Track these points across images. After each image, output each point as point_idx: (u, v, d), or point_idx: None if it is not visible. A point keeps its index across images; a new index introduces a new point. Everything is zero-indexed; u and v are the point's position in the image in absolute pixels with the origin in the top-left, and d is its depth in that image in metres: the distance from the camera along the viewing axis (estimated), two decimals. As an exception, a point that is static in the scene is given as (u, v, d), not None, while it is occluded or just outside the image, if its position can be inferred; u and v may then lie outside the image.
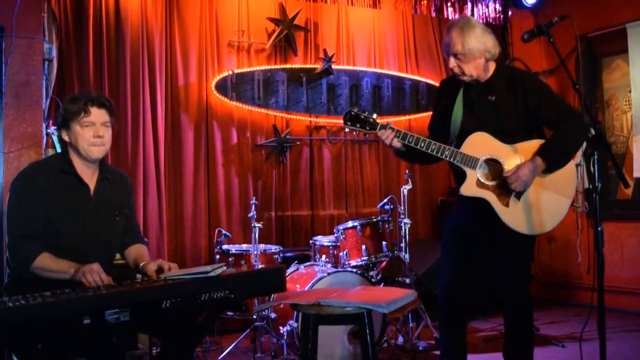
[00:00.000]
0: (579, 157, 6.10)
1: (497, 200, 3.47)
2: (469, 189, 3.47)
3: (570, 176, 3.58)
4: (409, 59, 7.08)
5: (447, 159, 3.45)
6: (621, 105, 6.59)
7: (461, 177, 3.52)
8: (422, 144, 3.42)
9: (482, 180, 3.48)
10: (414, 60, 7.11)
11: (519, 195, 3.48)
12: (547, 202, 3.54)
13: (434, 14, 7.22)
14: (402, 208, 5.30)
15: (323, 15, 6.67)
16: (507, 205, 3.47)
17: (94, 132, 3.11)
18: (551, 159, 3.47)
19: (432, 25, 7.25)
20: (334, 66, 6.50)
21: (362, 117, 3.45)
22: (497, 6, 7.41)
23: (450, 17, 7.23)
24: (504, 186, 3.46)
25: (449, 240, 3.70)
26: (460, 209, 3.70)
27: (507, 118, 3.51)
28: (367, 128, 3.46)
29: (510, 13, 7.53)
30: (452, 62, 3.49)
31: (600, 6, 6.63)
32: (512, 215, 3.47)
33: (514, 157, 3.51)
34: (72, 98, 3.16)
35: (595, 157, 3.18)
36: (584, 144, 3.94)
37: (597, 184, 3.20)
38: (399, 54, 7.04)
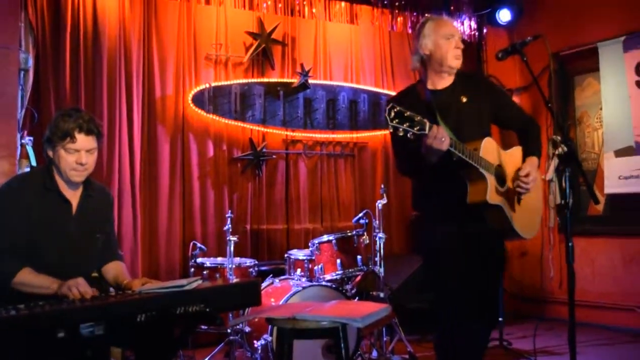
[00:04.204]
0: (551, 172, 6.18)
1: (509, 207, 3.42)
2: (493, 197, 3.31)
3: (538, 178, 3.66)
4: (386, 75, 7.14)
5: (476, 165, 3.25)
6: (592, 122, 6.70)
7: (463, 186, 3.35)
8: (460, 148, 3.19)
9: (498, 187, 3.37)
10: (390, 75, 7.17)
11: (519, 200, 3.49)
12: (534, 201, 3.62)
13: (410, 31, 7.27)
14: (377, 222, 5.31)
15: (301, 30, 6.70)
16: (514, 210, 3.44)
17: (77, 159, 3.05)
18: (540, 156, 3.57)
19: (409, 41, 7.29)
20: (310, 80, 6.54)
21: (407, 114, 2.96)
22: (472, 24, 7.50)
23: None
24: (509, 192, 3.45)
25: (454, 259, 3.40)
26: (454, 221, 3.42)
27: (483, 117, 3.53)
28: (416, 128, 2.96)
29: (485, 31, 7.63)
30: (460, 44, 3.50)
31: (573, 25, 6.76)
32: (519, 220, 3.45)
33: (510, 161, 3.52)
34: (64, 115, 3.07)
35: (567, 173, 3.23)
36: (557, 161, 4.00)
37: (568, 200, 3.26)
38: (376, 69, 7.10)
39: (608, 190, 6.33)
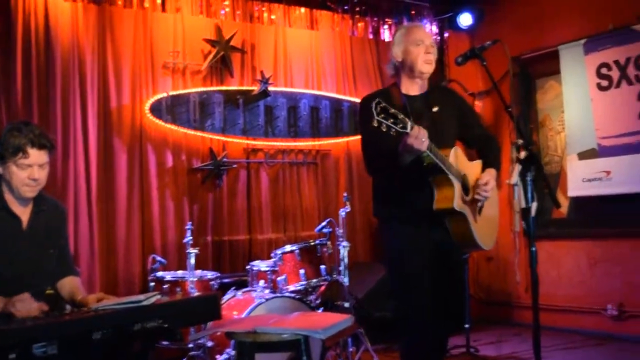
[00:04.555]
0: (515, 177, 6.26)
1: (472, 216, 3.48)
2: (459, 204, 3.38)
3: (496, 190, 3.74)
4: (347, 81, 7.17)
5: (447, 171, 3.33)
6: (555, 125, 6.80)
7: (430, 193, 3.40)
8: (436, 152, 3.27)
9: (463, 195, 3.45)
10: (352, 81, 7.20)
11: (480, 210, 3.56)
12: (493, 213, 3.72)
13: (371, 36, 7.34)
14: (341, 231, 5.32)
15: (260, 37, 6.69)
16: (475, 221, 3.50)
17: (29, 174, 3.03)
18: (499, 171, 3.66)
19: (370, 47, 7.36)
20: (271, 88, 6.53)
21: (392, 111, 3.02)
22: (434, 28, 7.57)
23: (387, 39, 7.36)
24: (472, 202, 3.52)
25: (422, 264, 3.45)
26: (419, 226, 3.47)
27: (452, 129, 3.61)
28: (399, 126, 3.02)
29: (446, 35, 7.71)
30: (430, 49, 3.58)
31: (534, 28, 6.86)
32: (479, 231, 3.51)
33: (473, 172, 3.60)
34: (13, 130, 3.03)
35: (529, 177, 3.28)
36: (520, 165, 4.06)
37: (530, 205, 3.31)
38: (337, 75, 7.13)
39: (572, 193, 6.41)
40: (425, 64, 3.57)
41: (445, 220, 3.44)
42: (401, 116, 3.02)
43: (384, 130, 2.99)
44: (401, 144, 3.16)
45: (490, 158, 3.70)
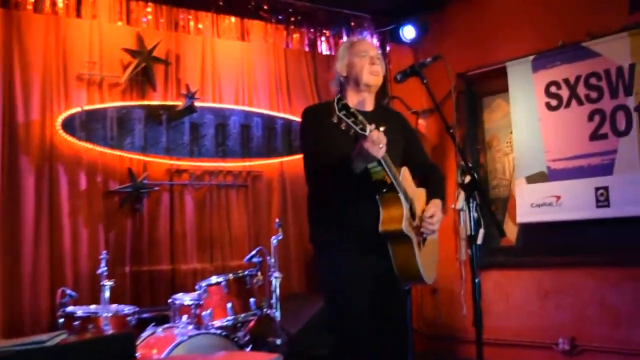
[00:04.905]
0: (461, 202, 6.35)
1: (417, 244, 3.49)
2: (407, 227, 3.40)
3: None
4: (281, 96, 7.19)
5: (398, 188, 3.35)
6: (503, 146, 6.93)
7: (375, 213, 3.41)
8: (390, 164, 3.31)
9: (410, 219, 3.47)
10: (286, 97, 7.23)
11: (424, 242, 3.59)
12: (435, 245, 3.78)
13: (307, 48, 7.37)
14: (272, 260, 5.31)
15: (186, 47, 6.66)
16: (420, 250, 3.52)
17: None
18: (444, 200, 3.72)
19: (306, 60, 7.40)
20: (197, 103, 6.49)
21: (352, 110, 3.05)
22: (375, 41, 7.65)
23: (325, 52, 7.41)
24: (416, 230, 3.54)
25: (362, 296, 3.47)
26: (360, 254, 3.48)
27: (397, 151, 3.65)
28: (359, 127, 3.05)
29: (388, 49, 7.80)
30: (376, 60, 3.66)
31: (481, 44, 6.99)
32: (423, 261, 3.52)
33: (419, 199, 3.65)
34: None
35: (472, 203, 3.33)
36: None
37: (474, 232, 3.37)
38: (270, 90, 7.14)
39: (520, 219, 6.52)
40: (371, 75, 3.65)
41: (389, 245, 3.45)
42: (361, 117, 3.06)
43: (343, 128, 3.02)
44: (356, 148, 3.18)
45: (434, 187, 3.77)
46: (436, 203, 3.65)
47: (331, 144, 3.40)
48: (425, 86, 3.48)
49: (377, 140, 3.11)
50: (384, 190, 3.38)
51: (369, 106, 3.71)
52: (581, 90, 6.13)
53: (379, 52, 3.85)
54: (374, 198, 3.42)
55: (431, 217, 3.55)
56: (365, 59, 3.65)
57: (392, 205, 3.40)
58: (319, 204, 3.67)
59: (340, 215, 3.52)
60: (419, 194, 3.70)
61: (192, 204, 6.55)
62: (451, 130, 3.47)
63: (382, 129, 3.51)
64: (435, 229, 3.60)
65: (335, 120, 3.01)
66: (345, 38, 7.41)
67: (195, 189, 6.57)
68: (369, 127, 3.09)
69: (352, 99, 3.67)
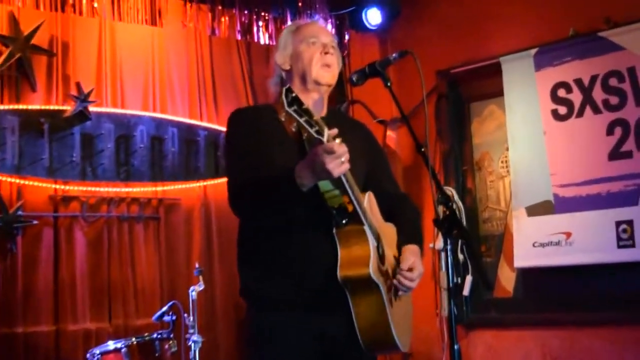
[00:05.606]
0: (441, 240, 6.35)
1: (388, 297, 3.37)
2: (376, 272, 3.27)
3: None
4: (205, 100, 7.14)
5: (364, 220, 3.26)
6: (496, 167, 6.95)
7: (329, 253, 3.28)
8: (354, 189, 3.20)
9: (379, 262, 3.35)
10: (212, 100, 7.19)
11: (396, 295, 3.48)
12: (409, 303, 3.67)
13: (239, 36, 7.32)
14: (191, 319, 5.26)
15: (77, 33, 6.54)
16: (391, 305, 3.40)
17: None
18: (421, 246, 3.63)
19: (238, 51, 7.35)
20: (92, 108, 6.36)
21: (305, 107, 2.90)
22: (329, 27, 7.63)
23: (263, 41, 7.38)
24: (387, 278, 3.42)
25: None
26: (303, 313, 3.37)
27: (358, 174, 3.48)
28: (314, 129, 2.92)
29: (347, 37, 7.80)
30: (330, 49, 3.57)
31: (469, 32, 7.02)
32: (396, 320, 3.40)
33: (388, 236, 3.55)
34: None
35: (449, 246, 3.30)
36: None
37: (453, 282, 3.34)
38: (190, 92, 7.08)
39: (519, 262, 6.52)
40: (323, 68, 3.54)
41: (350, 297, 3.30)
42: (317, 117, 2.92)
43: (294, 130, 2.91)
44: (308, 157, 3.07)
45: (409, 227, 3.67)
46: (414, 251, 3.53)
47: (268, 156, 3.27)
48: (389, 90, 3.43)
49: (337, 152, 2.97)
50: (344, 222, 3.25)
51: (319, 110, 3.56)
52: (598, 95, 6.16)
53: (335, 39, 3.76)
54: (329, 231, 3.28)
55: (410, 270, 3.43)
56: (315, 46, 3.55)
57: (355, 243, 3.26)
58: (248, 240, 3.54)
59: (277, 255, 3.38)
60: (386, 231, 3.58)
61: (84, 242, 6.42)
62: (423, 149, 3.41)
63: (338, 141, 3.46)
64: (414, 286, 3.45)
65: (282, 118, 2.89)
66: (289, 23, 7.35)
67: (89, 223, 6.46)
68: (327, 132, 2.93)
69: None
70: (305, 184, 3.10)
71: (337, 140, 2.99)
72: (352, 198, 3.17)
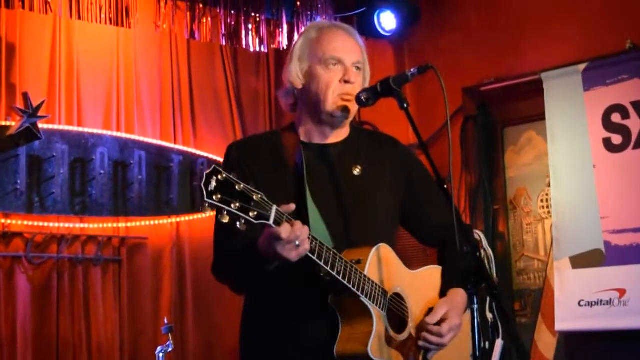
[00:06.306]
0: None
1: None
2: (376, 350, 3.30)
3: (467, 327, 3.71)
4: (180, 118, 7.22)
5: (356, 290, 3.25)
6: (535, 207, 6.97)
7: (329, 324, 3.36)
8: (330, 259, 3.17)
9: (390, 332, 3.40)
10: (189, 119, 7.26)
11: (426, 355, 3.54)
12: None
13: (224, 41, 7.35)
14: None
15: (24, 34, 6.63)
16: None
17: None
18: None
19: (223, 60, 7.42)
20: (42, 124, 6.43)
21: (240, 188, 2.87)
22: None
23: (253, 48, 7.40)
24: (409, 342, 3.49)
25: None
26: None
27: (384, 207, 3.59)
28: (252, 214, 2.89)
29: (359, 45, 7.85)
30: (351, 75, 3.51)
31: (503, 43, 7.08)
32: None
33: (419, 289, 3.60)
34: None
35: (476, 305, 3.35)
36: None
37: (481, 347, 3.40)
38: (163, 108, 7.17)
39: (561, 325, 6.52)
40: (342, 101, 3.50)
41: None
42: (258, 196, 2.91)
43: (225, 221, 2.87)
44: (262, 240, 3.09)
45: (455, 266, 3.67)
46: (451, 299, 3.58)
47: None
48: (406, 112, 3.38)
49: (285, 239, 2.98)
50: (339, 291, 3.29)
51: (335, 135, 3.62)
52: (661, 121, 6.22)
53: (364, 53, 3.69)
54: (325, 301, 3.35)
55: (440, 323, 3.47)
56: (335, 71, 3.51)
57: (353, 314, 3.33)
58: (248, 309, 3.64)
59: (270, 331, 3.49)
60: (421, 280, 3.65)
61: (29, 290, 6.46)
62: (445, 185, 3.43)
63: (357, 171, 3.52)
64: (445, 342, 3.49)
65: (206, 210, 2.88)
66: (285, 27, 7.43)
67: (35, 265, 6.49)
68: (273, 212, 2.95)
69: (308, 125, 3.62)
70: (270, 267, 3.19)
71: (290, 219, 3.01)
72: (332, 272, 3.18)
